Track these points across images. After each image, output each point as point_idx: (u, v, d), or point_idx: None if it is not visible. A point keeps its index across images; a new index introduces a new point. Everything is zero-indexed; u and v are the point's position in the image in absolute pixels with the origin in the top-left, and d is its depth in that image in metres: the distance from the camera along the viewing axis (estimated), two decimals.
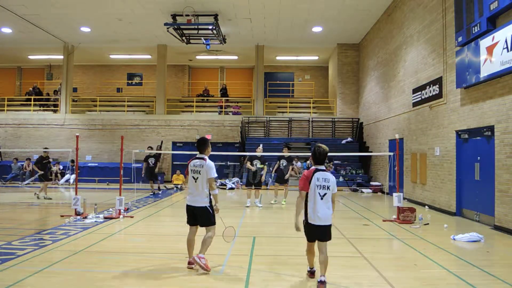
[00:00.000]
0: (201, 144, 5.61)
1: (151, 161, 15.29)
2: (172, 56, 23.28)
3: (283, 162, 12.21)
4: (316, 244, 4.86)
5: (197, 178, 5.38)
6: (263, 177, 11.72)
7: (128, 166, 17.81)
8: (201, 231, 5.59)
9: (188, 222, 5.56)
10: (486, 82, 8.85)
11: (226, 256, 6.08)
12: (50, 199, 13.05)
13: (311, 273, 5.11)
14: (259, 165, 11.59)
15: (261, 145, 12.10)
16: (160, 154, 15.52)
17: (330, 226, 4.79)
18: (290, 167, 12.27)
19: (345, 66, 21.30)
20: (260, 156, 11.71)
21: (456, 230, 8.38)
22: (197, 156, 5.58)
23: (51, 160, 13.98)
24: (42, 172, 13.32)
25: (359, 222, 9.53)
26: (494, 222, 8.55)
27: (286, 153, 12.26)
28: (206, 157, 5.54)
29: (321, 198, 4.73)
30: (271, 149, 19.06)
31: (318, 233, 4.77)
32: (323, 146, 4.98)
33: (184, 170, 19.69)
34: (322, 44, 21.46)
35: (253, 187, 11.69)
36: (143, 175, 15.56)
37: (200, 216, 5.41)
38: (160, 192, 15.56)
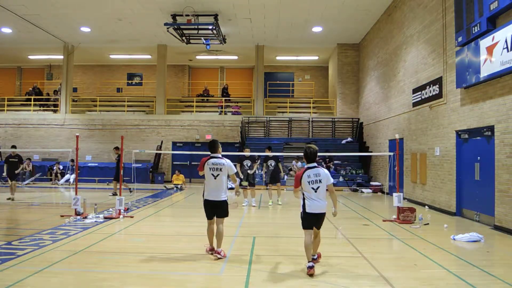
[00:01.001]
0: (213, 146, 6.16)
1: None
2: (172, 56, 23.28)
3: (271, 163, 12.37)
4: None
5: (218, 175, 5.96)
6: (255, 168, 11.86)
7: (128, 166, 17.81)
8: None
9: (208, 217, 6.10)
10: (486, 82, 8.85)
11: (226, 257, 6.08)
12: (11, 199, 12.52)
13: (310, 268, 5.18)
14: (249, 165, 11.72)
15: (248, 149, 12.28)
16: (119, 155, 14.42)
17: (324, 214, 5.46)
18: (280, 166, 12.57)
19: (345, 66, 21.30)
20: (249, 155, 11.86)
21: (456, 230, 8.38)
22: (212, 155, 6.09)
23: (16, 158, 13.10)
24: (5, 172, 12.93)
25: (359, 222, 9.53)
26: (494, 222, 8.55)
27: (270, 153, 12.46)
28: (222, 156, 6.14)
29: (315, 191, 5.37)
30: (272, 149, 19.07)
31: (314, 221, 5.41)
32: (313, 146, 5.58)
33: (184, 170, 19.69)
34: (322, 44, 21.46)
35: (248, 187, 11.76)
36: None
37: (220, 208, 6.01)
38: (110, 195, 14.05)
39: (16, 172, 13.16)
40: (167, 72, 23.40)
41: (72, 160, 19.10)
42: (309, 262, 5.25)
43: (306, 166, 5.50)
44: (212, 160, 5.99)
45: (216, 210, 6.02)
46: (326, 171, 5.50)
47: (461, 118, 10.11)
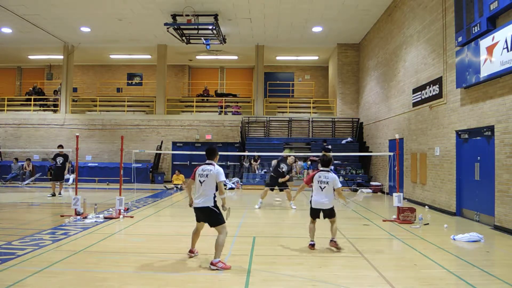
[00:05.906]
0: (210, 153, 5.88)
1: (59, 160, 14.16)
2: (172, 56, 23.28)
3: (283, 166, 11.87)
4: (317, 221, 6.77)
5: (204, 181, 5.64)
6: (287, 177, 11.61)
7: (128, 166, 17.83)
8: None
9: (196, 219, 5.90)
10: (486, 82, 8.85)
11: (226, 256, 6.08)
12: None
13: (311, 246, 6.57)
14: (285, 169, 11.49)
15: (292, 156, 12.10)
16: (67, 155, 14.19)
17: (329, 209, 6.60)
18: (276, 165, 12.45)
19: (345, 66, 21.30)
20: (287, 163, 11.69)
21: (456, 230, 8.38)
22: (206, 162, 5.82)
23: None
24: None
25: (359, 222, 9.53)
26: (494, 222, 8.55)
27: (286, 154, 12.38)
28: (215, 163, 5.80)
29: (322, 190, 6.57)
30: (271, 149, 19.10)
31: (317, 214, 6.69)
32: (328, 154, 7.02)
33: (184, 170, 19.65)
34: (322, 44, 21.46)
35: (276, 187, 11.60)
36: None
37: (209, 216, 5.66)
38: (60, 195, 14.04)
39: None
40: (167, 72, 23.39)
41: (70, 162, 19.06)
42: (311, 241, 6.61)
43: (320, 169, 6.79)
44: (202, 167, 5.74)
45: (205, 218, 5.70)
46: (335, 175, 6.63)
47: (461, 118, 10.11)
